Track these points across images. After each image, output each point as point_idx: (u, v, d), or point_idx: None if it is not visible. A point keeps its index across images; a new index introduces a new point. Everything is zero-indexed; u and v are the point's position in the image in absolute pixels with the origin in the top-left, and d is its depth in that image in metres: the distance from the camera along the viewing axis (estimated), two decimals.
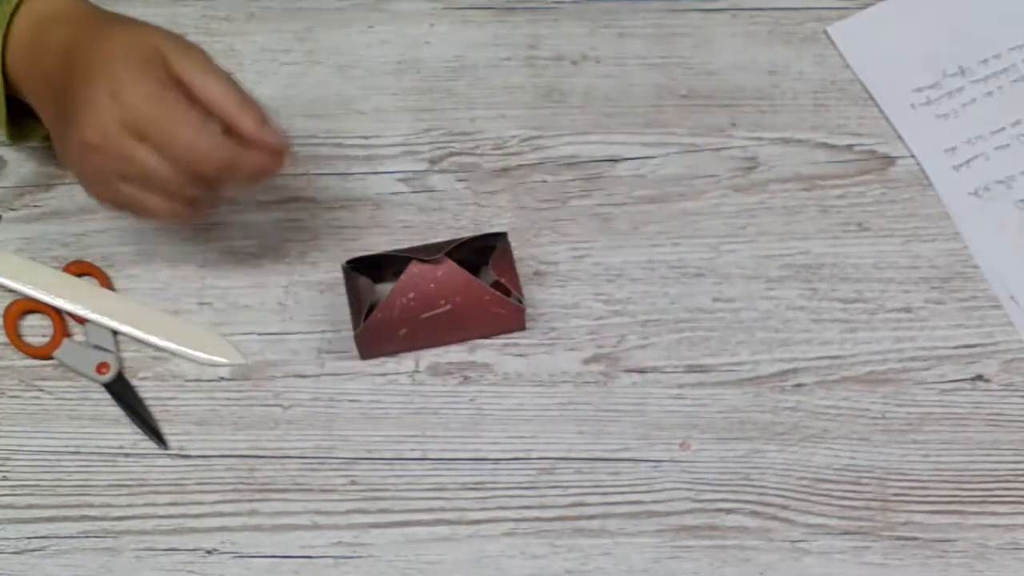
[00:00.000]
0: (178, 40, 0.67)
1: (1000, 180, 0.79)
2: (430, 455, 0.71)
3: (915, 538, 0.69)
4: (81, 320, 0.74)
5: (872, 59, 0.83)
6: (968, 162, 0.80)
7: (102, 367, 0.73)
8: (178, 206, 0.68)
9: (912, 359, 0.74)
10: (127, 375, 0.73)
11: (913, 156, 0.80)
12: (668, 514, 0.70)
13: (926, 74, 0.83)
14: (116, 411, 0.72)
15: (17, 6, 0.68)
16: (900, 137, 0.81)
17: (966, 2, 0.85)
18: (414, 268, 0.70)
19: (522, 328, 0.74)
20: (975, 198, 0.79)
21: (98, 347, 0.74)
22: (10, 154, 0.80)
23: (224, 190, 0.68)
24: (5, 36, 0.68)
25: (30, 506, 0.70)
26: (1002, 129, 0.81)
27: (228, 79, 0.66)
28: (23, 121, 0.73)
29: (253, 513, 0.70)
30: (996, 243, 0.77)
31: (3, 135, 0.73)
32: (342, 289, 0.73)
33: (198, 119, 0.65)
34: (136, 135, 0.64)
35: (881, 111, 0.82)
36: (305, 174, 0.79)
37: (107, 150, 0.65)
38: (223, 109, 0.65)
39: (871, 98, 0.82)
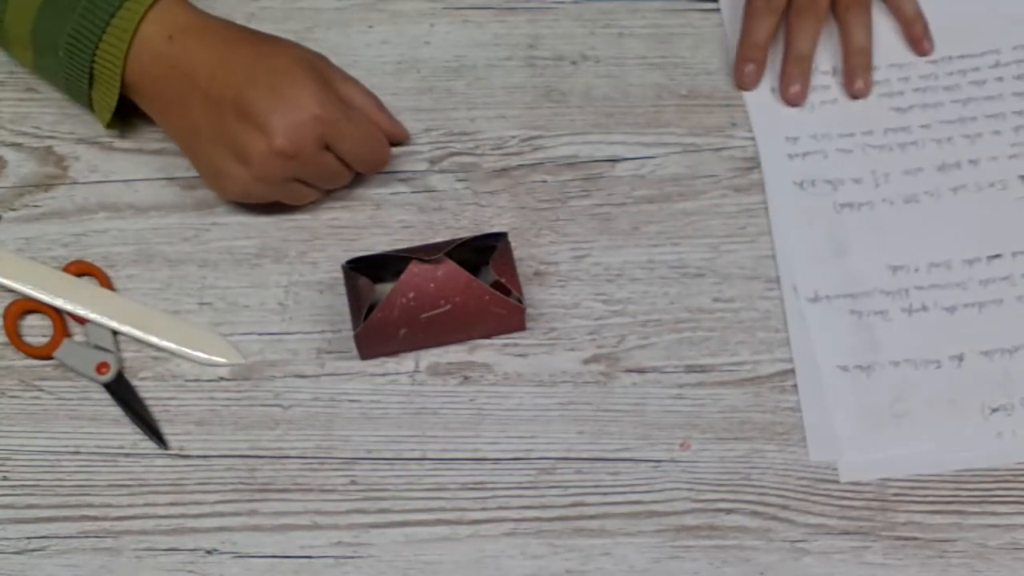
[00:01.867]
0: (315, 52, 0.75)
1: (829, 180, 0.79)
2: (430, 455, 0.71)
3: (915, 538, 0.69)
4: (81, 320, 0.74)
5: None
6: (805, 155, 0.80)
7: (102, 367, 0.73)
8: (322, 193, 0.77)
9: None
10: (127, 375, 0.73)
11: (751, 133, 0.80)
12: (668, 514, 0.70)
13: None
14: (116, 411, 0.72)
15: (144, 14, 0.72)
16: (747, 115, 0.81)
17: None
18: (414, 268, 0.70)
19: (522, 328, 0.74)
20: (798, 188, 0.79)
21: (98, 347, 0.74)
22: (10, 154, 0.80)
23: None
24: (130, 41, 0.72)
25: (30, 506, 0.70)
26: (851, 135, 0.80)
27: (365, 87, 0.78)
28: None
29: (253, 513, 0.70)
30: (800, 235, 0.77)
31: (102, 122, 0.77)
32: (342, 289, 0.73)
33: (372, 124, 0.75)
34: (322, 143, 0.72)
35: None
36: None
37: (300, 158, 0.71)
38: (372, 113, 0.77)
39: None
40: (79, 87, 0.75)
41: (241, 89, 0.70)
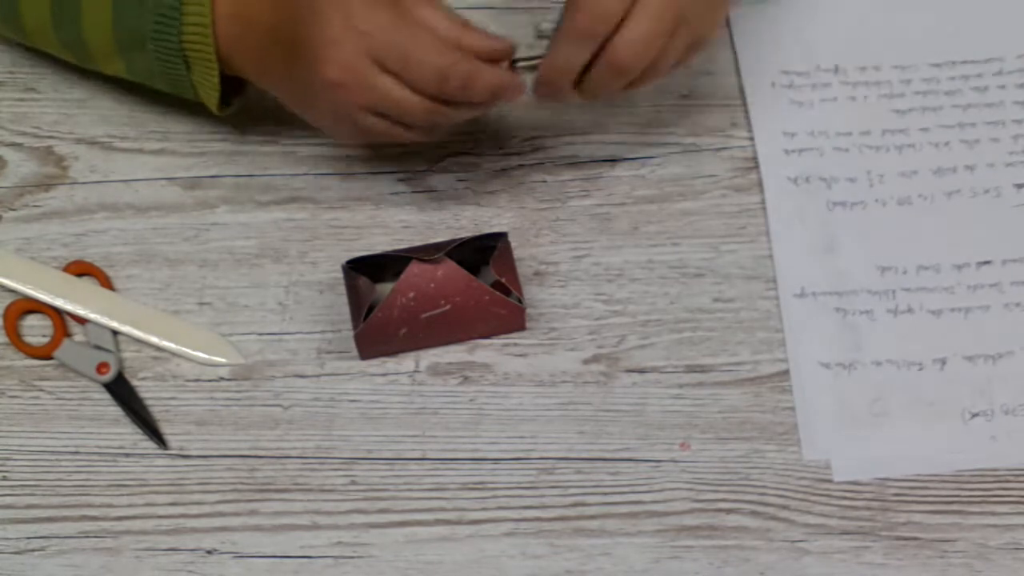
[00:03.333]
0: None
1: (824, 177, 0.79)
2: (430, 455, 0.71)
3: (915, 538, 0.69)
4: (81, 320, 0.74)
5: (755, 34, 0.84)
6: (801, 151, 0.80)
7: (102, 367, 0.73)
8: (419, 133, 0.70)
9: None
10: (127, 375, 0.73)
11: (751, 133, 0.80)
12: (668, 514, 0.70)
13: (800, 61, 0.83)
14: (116, 411, 0.72)
15: None
16: (746, 109, 0.81)
17: (870, 10, 0.85)
18: (414, 268, 0.70)
19: (522, 328, 0.74)
20: (792, 184, 0.79)
21: (98, 347, 0.74)
22: (10, 154, 0.80)
23: (463, 111, 0.69)
24: (211, 9, 0.69)
25: (30, 506, 0.70)
26: (848, 134, 0.81)
27: (445, 6, 0.67)
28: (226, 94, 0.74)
29: (253, 513, 0.70)
30: (793, 231, 0.77)
31: (212, 107, 0.74)
32: (342, 289, 0.73)
33: (435, 39, 0.65)
34: (379, 65, 0.65)
35: (740, 82, 0.82)
36: (305, 174, 0.79)
37: (352, 84, 0.65)
38: (450, 32, 0.66)
39: (736, 71, 0.82)
40: (177, 76, 0.72)
41: (296, 26, 0.66)
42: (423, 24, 0.66)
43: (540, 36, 0.68)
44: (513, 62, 0.69)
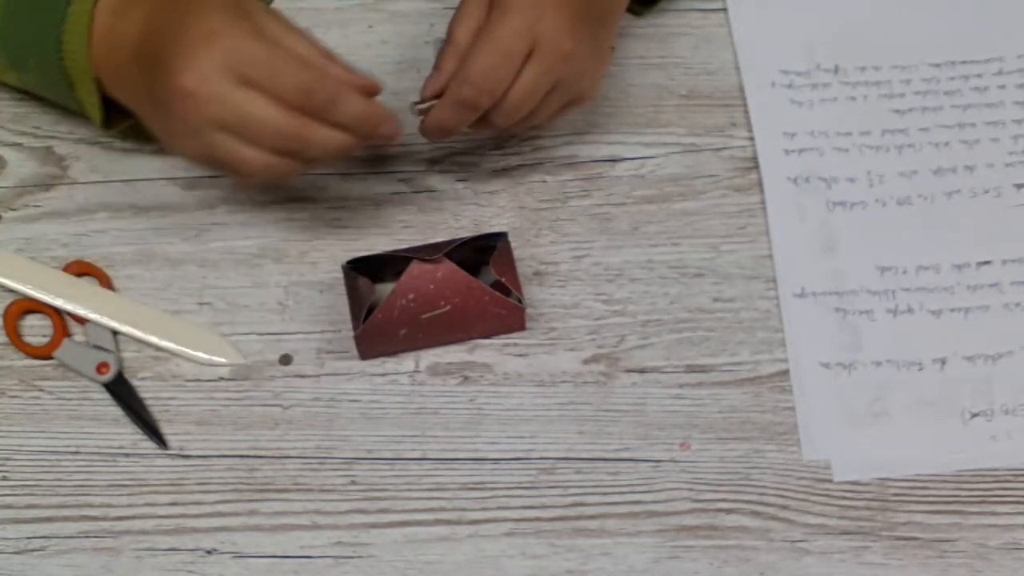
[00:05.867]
0: (256, 1, 0.66)
1: (824, 178, 0.79)
2: (430, 455, 0.71)
3: (915, 538, 0.69)
4: (81, 320, 0.74)
5: (755, 34, 0.84)
6: (801, 151, 0.80)
7: (102, 367, 0.73)
8: (275, 159, 0.66)
9: None
10: (127, 375, 0.73)
11: (751, 133, 0.80)
12: (668, 514, 0.70)
13: (800, 61, 0.83)
14: (116, 411, 0.72)
15: (93, 6, 0.68)
16: (746, 110, 0.81)
17: (870, 10, 0.85)
18: (414, 269, 0.70)
19: (522, 328, 0.74)
20: (792, 184, 0.79)
21: (98, 347, 0.74)
22: (10, 154, 0.80)
23: (319, 140, 0.65)
24: (88, 30, 0.68)
25: (30, 506, 0.70)
26: (848, 134, 0.80)
27: (310, 36, 0.66)
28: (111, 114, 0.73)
29: (253, 513, 0.70)
30: (793, 231, 0.77)
31: (96, 123, 0.73)
32: (342, 289, 0.73)
33: (300, 56, 0.64)
34: (236, 79, 0.63)
35: (740, 82, 0.82)
36: (305, 174, 0.79)
37: (203, 95, 0.63)
38: (315, 58, 0.65)
39: (736, 71, 0.82)
40: (63, 93, 0.72)
41: (159, 41, 0.65)
42: (289, 47, 0.65)
43: (417, 114, 0.72)
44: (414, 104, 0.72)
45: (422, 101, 0.72)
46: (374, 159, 0.80)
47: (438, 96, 0.71)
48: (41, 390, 0.73)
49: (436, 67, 0.71)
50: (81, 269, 0.76)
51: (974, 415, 0.72)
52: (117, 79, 0.70)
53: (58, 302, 0.75)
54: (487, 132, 0.76)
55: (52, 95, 0.75)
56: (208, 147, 0.65)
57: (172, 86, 0.63)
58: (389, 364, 0.74)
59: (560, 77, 0.70)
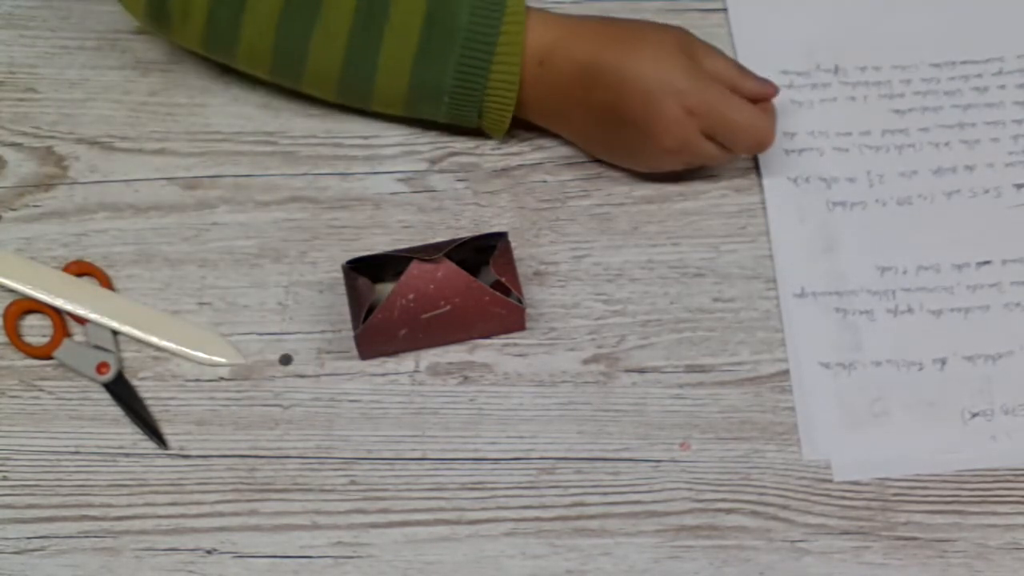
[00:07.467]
0: (676, 28, 0.76)
1: (824, 178, 0.79)
2: (430, 455, 0.71)
3: (915, 538, 0.69)
4: (81, 320, 0.74)
5: (755, 34, 0.84)
6: (802, 151, 0.80)
7: (102, 367, 0.73)
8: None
9: None
10: (127, 375, 0.73)
11: None
12: (668, 514, 0.70)
13: (800, 61, 0.83)
14: (116, 411, 0.72)
15: (522, 55, 0.74)
16: None
17: (870, 10, 0.85)
18: (414, 270, 0.70)
19: (522, 328, 0.74)
20: (792, 184, 0.79)
21: (98, 347, 0.74)
22: (10, 154, 0.80)
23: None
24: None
25: (30, 506, 0.70)
26: (848, 134, 0.81)
27: (723, 55, 0.76)
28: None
29: (253, 513, 0.70)
30: (793, 231, 0.77)
31: (497, 136, 0.79)
32: (342, 289, 0.73)
33: (746, 103, 0.74)
34: (705, 134, 0.74)
35: None
36: (305, 174, 0.79)
37: (684, 152, 0.75)
38: (742, 86, 0.75)
39: None
40: (467, 119, 0.77)
41: (615, 98, 0.73)
42: (721, 78, 0.74)
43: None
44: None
45: None
46: (374, 159, 0.80)
47: None
48: (41, 390, 0.73)
49: None
50: (81, 269, 0.76)
51: (974, 415, 0.72)
52: (546, 116, 0.78)
53: (58, 302, 0.75)
54: None
55: (448, 121, 0.78)
56: (661, 168, 0.78)
57: (656, 146, 0.75)
58: (389, 364, 0.74)
59: None
